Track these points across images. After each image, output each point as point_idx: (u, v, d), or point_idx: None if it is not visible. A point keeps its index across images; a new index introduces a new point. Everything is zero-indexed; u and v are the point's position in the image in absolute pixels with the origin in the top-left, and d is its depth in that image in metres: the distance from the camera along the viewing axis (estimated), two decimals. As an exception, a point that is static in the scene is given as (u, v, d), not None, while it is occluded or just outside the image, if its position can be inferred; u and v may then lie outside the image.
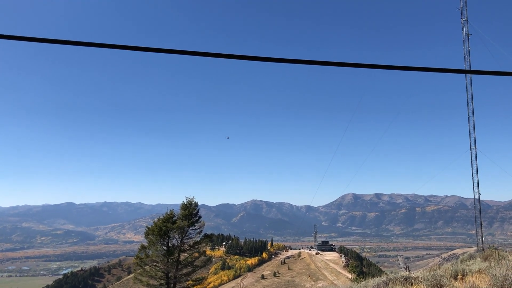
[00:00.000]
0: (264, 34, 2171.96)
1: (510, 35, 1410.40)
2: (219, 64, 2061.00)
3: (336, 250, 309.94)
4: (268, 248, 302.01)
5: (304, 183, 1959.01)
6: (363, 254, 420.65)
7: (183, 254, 49.02)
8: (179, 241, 48.55)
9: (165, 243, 47.79)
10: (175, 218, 48.54)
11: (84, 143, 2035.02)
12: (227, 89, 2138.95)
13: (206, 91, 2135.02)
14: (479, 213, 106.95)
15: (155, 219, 48.77)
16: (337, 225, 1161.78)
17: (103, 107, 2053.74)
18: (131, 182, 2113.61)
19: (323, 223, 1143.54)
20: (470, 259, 30.20)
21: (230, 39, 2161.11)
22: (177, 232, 48.08)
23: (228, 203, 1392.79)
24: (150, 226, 48.16)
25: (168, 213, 48.79)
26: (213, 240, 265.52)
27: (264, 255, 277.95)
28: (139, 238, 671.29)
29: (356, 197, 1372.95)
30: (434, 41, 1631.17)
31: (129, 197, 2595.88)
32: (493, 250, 36.73)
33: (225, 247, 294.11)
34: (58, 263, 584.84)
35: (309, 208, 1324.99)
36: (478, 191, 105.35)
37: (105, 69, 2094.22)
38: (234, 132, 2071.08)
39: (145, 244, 48.45)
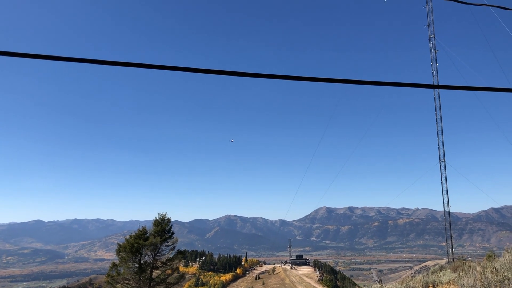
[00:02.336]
0: (231, 48, 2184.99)
1: (476, 51, 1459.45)
2: (197, 80, 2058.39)
3: (311, 264, 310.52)
4: (243, 263, 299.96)
5: (278, 198, 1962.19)
6: (337, 268, 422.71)
7: (155, 271, 48.11)
8: (151, 258, 47.67)
9: (137, 260, 46.83)
10: (147, 235, 47.70)
11: (52, 159, 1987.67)
12: (201, 104, 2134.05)
13: (180, 107, 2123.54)
14: (449, 225, 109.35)
15: (127, 236, 47.80)
16: (311, 239, 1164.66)
17: (72, 121, 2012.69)
18: (102, 198, 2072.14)
19: (297, 237, 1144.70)
20: (441, 271, 30.75)
21: (204, 54, 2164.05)
22: (149, 249, 47.22)
23: (202, 219, 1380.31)
24: (121, 243, 47.14)
25: (140, 229, 47.92)
26: (186, 256, 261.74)
27: (238, 270, 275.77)
28: (111, 256, 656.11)
29: (329, 210, 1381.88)
30: (403, 56, 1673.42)
31: (100, 213, 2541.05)
32: (462, 261, 37.54)
33: (199, 264, 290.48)
34: (25, 283, 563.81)
35: (283, 222, 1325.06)
36: (448, 203, 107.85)
37: (74, 82, 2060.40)
38: (208, 148, 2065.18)
39: (117, 261, 47.36)
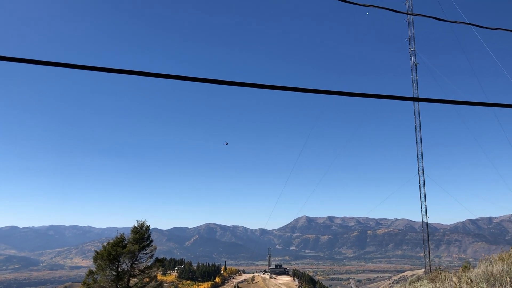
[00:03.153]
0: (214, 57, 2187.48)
1: (455, 66, 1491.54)
2: (179, 86, 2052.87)
3: (290, 273, 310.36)
4: (222, 272, 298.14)
5: (259, 206, 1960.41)
6: (316, 277, 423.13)
7: (133, 279, 47.45)
8: (129, 266, 47.03)
9: (114, 268, 46.13)
10: (125, 242, 47.09)
11: (29, 163, 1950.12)
12: (181, 111, 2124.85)
13: (160, 113, 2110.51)
14: (427, 236, 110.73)
15: (105, 243, 47.11)
16: (291, 248, 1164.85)
17: (48, 125, 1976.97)
18: (80, 204, 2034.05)
19: (277, 246, 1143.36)
20: (418, 281, 31.12)
21: (187, 61, 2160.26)
22: (127, 257, 46.60)
23: (181, 227, 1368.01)
24: (99, 250, 46.42)
25: (119, 236, 47.31)
26: (165, 264, 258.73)
27: (217, 279, 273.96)
28: (87, 263, 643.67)
29: (309, 220, 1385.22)
30: (384, 69, 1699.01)
31: (78, 220, 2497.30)
32: (439, 272, 38.07)
33: (177, 272, 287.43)
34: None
35: (263, 231, 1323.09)
36: (426, 214, 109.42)
37: (52, 86, 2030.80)
38: (188, 155, 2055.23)
39: (93, 269, 46.58)
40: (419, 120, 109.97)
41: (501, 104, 10.21)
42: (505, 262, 16.45)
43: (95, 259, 46.12)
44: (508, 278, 14.54)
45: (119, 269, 46.42)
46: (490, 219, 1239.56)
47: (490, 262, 17.97)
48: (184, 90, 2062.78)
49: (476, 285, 14.96)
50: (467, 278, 16.22)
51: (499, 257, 18.23)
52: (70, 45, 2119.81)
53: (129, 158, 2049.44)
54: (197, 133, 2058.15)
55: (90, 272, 46.20)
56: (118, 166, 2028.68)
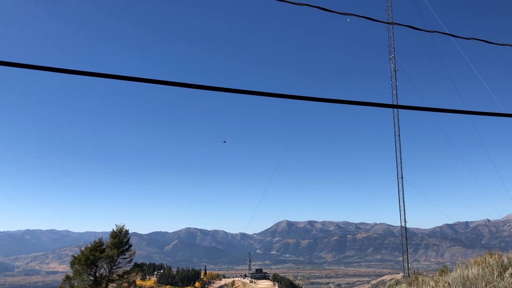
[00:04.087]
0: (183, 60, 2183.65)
1: (434, 72, 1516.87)
2: (152, 89, 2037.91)
3: (270, 278, 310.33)
4: (202, 277, 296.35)
5: (240, 211, 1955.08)
6: (296, 282, 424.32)
7: (111, 284, 46.85)
8: (107, 271, 46.42)
9: (92, 273, 45.48)
10: (104, 247, 46.50)
11: (4, 165, 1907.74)
12: (159, 115, 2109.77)
13: (140, 117, 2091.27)
14: (406, 240, 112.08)
15: (83, 248, 46.47)
16: (272, 252, 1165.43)
17: (25, 127, 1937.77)
18: (57, 208, 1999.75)
19: (257, 251, 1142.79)
20: (396, 285, 31.46)
21: (163, 64, 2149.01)
22: (105, 261, 46.03)
23: (161, 231, 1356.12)
24: (76, 255, 45.74)
25: (97, 241, 46.71)
26: (144, 269, 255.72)
27: (197, 284, 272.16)
28: (65, 268, 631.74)
29: (290, 224, 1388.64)
30: (365, 75, 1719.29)
31: (55, 224, 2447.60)
32: (417, 275, 38.54)
33: (156, 277, 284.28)
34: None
35: (244, 235, 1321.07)
36: (405, 219, 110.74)
37: (29, 87, 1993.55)
38: (168, 159, 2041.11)
39: (71, 274, 45.82)
40: (398, 126, 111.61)
41: (478, 112, 10.45)
42: (481, 266, 16.77)
43: (72, 264, 45.43)
44: (483, 282, 14.83)
45: (97, 274, 45.78)
46: (466, 223, 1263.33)
47: (466, 266, 18.31)
48: (163, 93, 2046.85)
49: (453, 289, 15.21)
50: (444, 282, 16.47)
51: (474, 261, 18.58)
52: (48, 47, 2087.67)
53: (109, 161, 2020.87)
54: (177, 137, 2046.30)
55: (67, 278, 45.47)
56: (97, 169, 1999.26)
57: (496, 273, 15.54)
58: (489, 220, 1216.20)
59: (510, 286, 14.58)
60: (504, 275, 15.26)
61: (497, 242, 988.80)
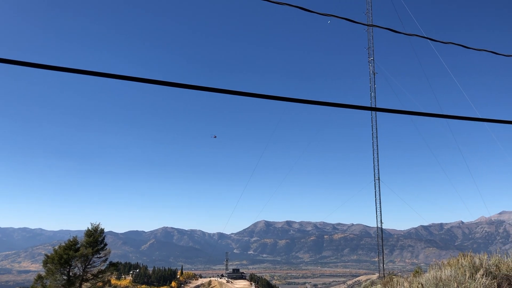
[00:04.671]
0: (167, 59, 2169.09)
1: (412, 75, 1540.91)
2: (130, 87, 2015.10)
3: (247, 278, 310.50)
4: (178, 276, 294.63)
5: (217, 210, 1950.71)
6: (273, 282, 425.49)
7: (85, 283, 46.06)
8: (81, 270, 45.64)
9: (65, 272, 44.62)
10: (78, 246, 45.70)
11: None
12: (139, 113, 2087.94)
13: (116, 114, 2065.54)
14: (381, 241, 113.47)
15: (56, 247, 45.56)
16: (249, 252, 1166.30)
17: None
18: (30, 206, 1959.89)
19: (235, 251, 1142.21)
20: (372, 285, 31.79)
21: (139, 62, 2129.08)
22: (80, 261, 45.23)
23: (137, 230, 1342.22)
24: (49, 254, 44.83)
25: (71, 240, 45.87)
26: (119, 268, 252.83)
27: (173, 284, 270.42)
28: (37, 267, 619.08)
29: (268, 224, 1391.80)
30: (345, 76, 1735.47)
31: (28, 222, 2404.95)
32: (392, 276, 39.07)
33: (132, 276, 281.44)
34: None
35: (221, 235, 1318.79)
36: (381, 220, 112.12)
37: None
38: (146, 157, 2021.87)
39: (43, 273, 44.89)
40: (376, 128, 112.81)
41: (453, 116, 10.60)
42: (453, 268, 17.05)
43: (45, 263, 44.51)
44: (455, 283, 15.07)
45: (70, 274, 44.96)
46: (441, 225, 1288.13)
47: (440, 267, 18.59)
48: (140, 91, 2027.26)
49: (426, 290, 15.42)
50: (418, 283, 16.68)
51: (448, 263, 18.88)
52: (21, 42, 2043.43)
53: (84, 158, 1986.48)
54: (155, 135, 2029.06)
55: (39, 277, 44.52)
56: (73, 166, 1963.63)
57: (468, 274, 15.82)
58: (462, 222, 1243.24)
59: (482, 287, 14.86)
60: (476, 276, 15.55)
61: (469, 243, 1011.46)
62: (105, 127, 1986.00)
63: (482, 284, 15.05)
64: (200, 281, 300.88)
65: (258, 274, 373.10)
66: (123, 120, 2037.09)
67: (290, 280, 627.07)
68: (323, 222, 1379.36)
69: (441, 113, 10.24)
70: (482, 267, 17.07)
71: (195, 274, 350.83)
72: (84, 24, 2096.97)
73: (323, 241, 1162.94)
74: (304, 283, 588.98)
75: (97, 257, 47.21)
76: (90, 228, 47.78)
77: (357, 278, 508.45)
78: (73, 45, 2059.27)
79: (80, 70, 7.48)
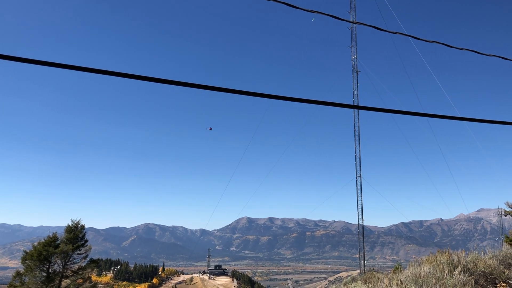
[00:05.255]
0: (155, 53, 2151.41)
1: (394, 74, 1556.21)
2: (114, 83, 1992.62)
3: (229, 274, 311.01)
4: (160, 273, 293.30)
5: (200, 206, 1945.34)
6: (255, 278, 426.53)
7: (65, 280, 45.49)
8: (61, 267, 45.06)
9: (44, 269, 44.01)
10: (58, 242, 45.09)
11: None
12: (116, 107, 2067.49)
13: (99, 108, 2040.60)
14: (362, 238, 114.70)
15: (35, 243, 44.90)
16: (231, 249, 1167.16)
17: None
18: (9, 201, 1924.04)
19: (217, 247, 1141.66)
20: (352, 282, 32.08)
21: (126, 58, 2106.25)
22: (59, 257, 44.63)
23: (118, 226, 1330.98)
24: (28, 250, 44.15)
25: (51, 236, 45.23)
26: (100, 265, 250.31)
27: (155, 280, 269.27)
28: (16, 264, 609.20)
29: (250, 221, 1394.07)
30: (328, 74, 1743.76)
31: (6, 218, 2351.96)
32: (373, 273, 39.56)
33: (113, 273, 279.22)
34: None
35: (204, 232, 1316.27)
36: (362, 217, 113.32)
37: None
38: (127, 152, 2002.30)
39: (22, 270, 44.20)
40: (358, 126, 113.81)
41: (433, 114, 10.75)
42: (432, 265, 17.33)
43: (23, 259, 43.82)
44: (434, 280, 15.31)
45: (50, 270, 44.36)
46: (421, 222, 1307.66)
47: (419, 264, 18.88)
48: (120, 86, 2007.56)
49: (405, 287, 15.63)
50: (397, 280, 16.91)
51: (426, 260, 19.18)
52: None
53: (64, 153, 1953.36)
54: (135, 130, 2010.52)
55: (18, 274, 43.83)
56: (51, 161, 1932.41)
57: (446, 271, 16.09)
58: (442, 219, 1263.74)
59: (459, 284, 15.14)
60: (454, 273, 15.83)
61: (448, 240, 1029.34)
62: (85, 122, 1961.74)
63: (460, 280, 15.32)
64: (182, 277, 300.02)
65: (240, 271, 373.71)
66: (103, 114, 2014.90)
67: (272, 277, 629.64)
68: (305, 219, 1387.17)
69: (422, 112, 10.35)
70: (460, 264, 17.38)
71: (177, 270, 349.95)
72: (84, 24, 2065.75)
73: (305, 238, 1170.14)
74: (286, 279, 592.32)
75: (78, 254, 46.65)
76: (70, 224, 47.17)
77: (338, 275, 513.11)
78: (70, 42, 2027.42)
79: (59, 64, 7.36)
